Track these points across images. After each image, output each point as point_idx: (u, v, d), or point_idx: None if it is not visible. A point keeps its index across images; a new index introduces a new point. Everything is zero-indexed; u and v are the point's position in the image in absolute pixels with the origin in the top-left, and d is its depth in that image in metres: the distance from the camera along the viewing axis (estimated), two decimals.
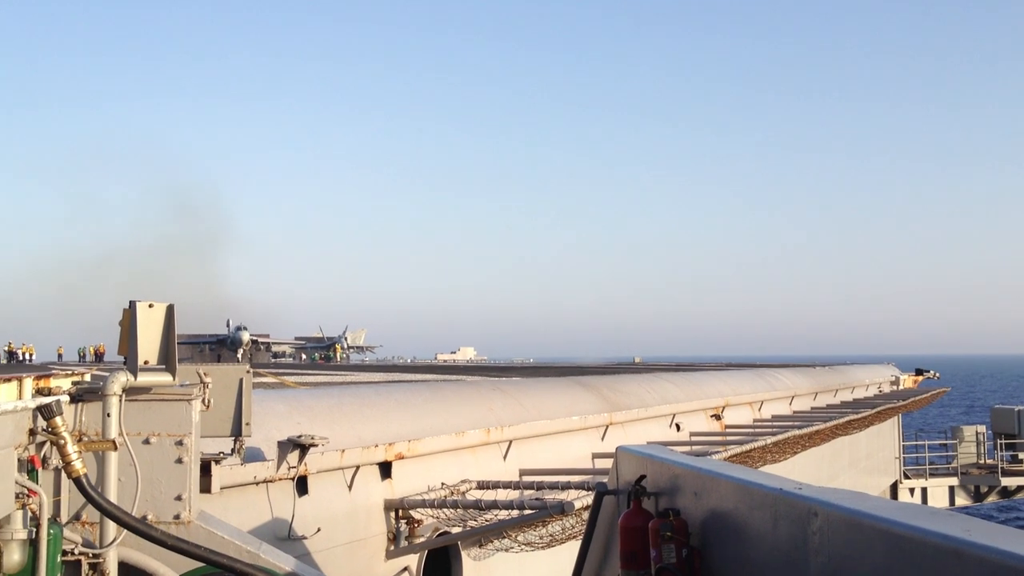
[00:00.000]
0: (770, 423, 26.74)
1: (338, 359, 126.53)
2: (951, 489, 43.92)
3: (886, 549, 4.14)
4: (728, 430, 24.83)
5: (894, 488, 42.47)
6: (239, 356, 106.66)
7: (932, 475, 44.23)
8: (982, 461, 45.85)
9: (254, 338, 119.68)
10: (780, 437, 21.41)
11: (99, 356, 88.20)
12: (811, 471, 25.93)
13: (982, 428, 47.20)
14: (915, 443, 46.52)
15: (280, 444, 11.07)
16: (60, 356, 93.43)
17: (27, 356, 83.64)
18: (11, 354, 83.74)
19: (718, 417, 25.80)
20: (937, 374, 58.15)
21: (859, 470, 35.52)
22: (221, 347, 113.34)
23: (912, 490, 43.24)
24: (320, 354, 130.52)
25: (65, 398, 7.96)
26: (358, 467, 12.60)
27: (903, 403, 39.13)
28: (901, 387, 50.00)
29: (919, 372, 56.02)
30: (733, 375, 32.86)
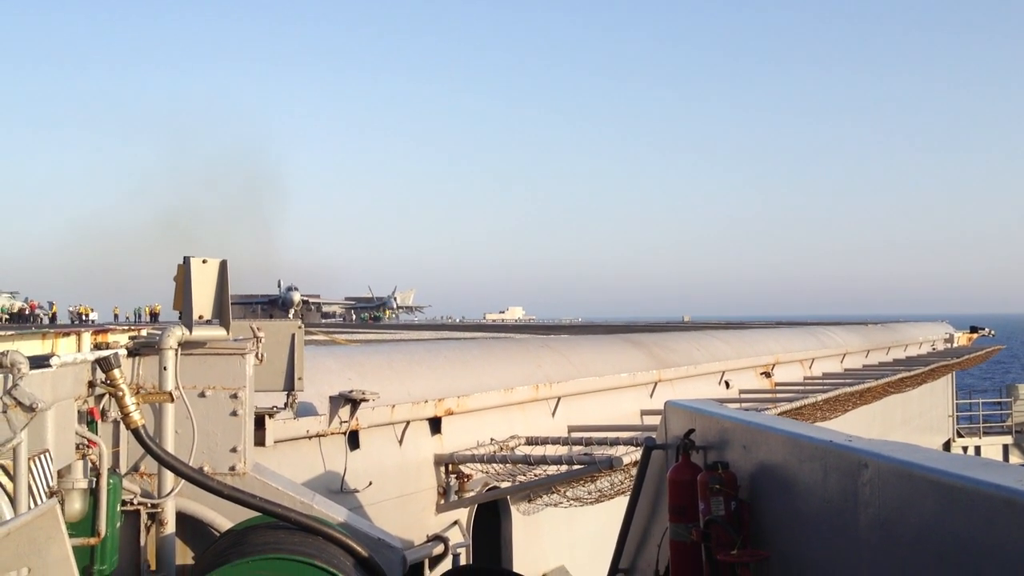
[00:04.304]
0: (821, 381, 26.53)
1: (387, 319, 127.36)
2: (1005, 448, 43.34)
3: (937, 500, 4.11)
4: (778, 387, 24.69)
5: (947, 446, 41.94)
6: (290, 316, 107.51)
7: (986, 433, 43.65)
8: None
9: (305, 298, 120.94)
10: (831, 394, 21.24)
11: (154, 316, 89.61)
12: (863, 428, 25.66)
13: None
14: (969, 401, 45.86)
15: (332, 399, 11.22)
16: (116, 316, 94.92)
17: (86, 317, 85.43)
18: (53, 316, 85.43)
19: (768, 375, 25.64)
20: (992, 332, 57.06)
21: (911, 428, 35.13)
22: (273, 307, 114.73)
23: (965, 448, 42.69)
24: (369, 314, 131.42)
25: (123, 352, 8.12)
26: (408, 422, 12.73)
27: (957, 361, 38.55)
28: (955, 345, 49.21)
29: (974, 330, 55.02)
30: (784, 333, 32.60)
